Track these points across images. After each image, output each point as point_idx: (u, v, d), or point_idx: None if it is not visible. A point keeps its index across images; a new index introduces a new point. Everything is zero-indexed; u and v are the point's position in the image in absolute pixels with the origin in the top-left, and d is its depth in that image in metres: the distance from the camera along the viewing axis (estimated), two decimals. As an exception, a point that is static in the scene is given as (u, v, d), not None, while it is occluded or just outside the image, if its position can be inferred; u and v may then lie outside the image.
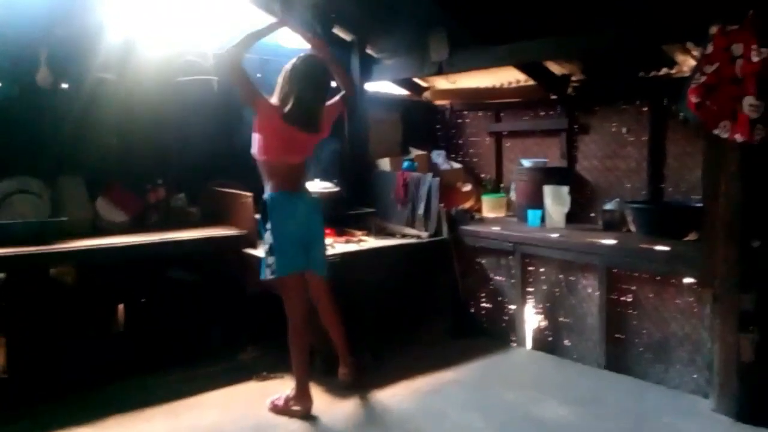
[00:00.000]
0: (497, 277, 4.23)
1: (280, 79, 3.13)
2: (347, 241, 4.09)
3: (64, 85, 3.75)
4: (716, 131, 2.75)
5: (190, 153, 4.10)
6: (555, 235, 3.87)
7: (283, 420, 3.08)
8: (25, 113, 3.61)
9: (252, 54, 4.40)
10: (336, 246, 3.92)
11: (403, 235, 4.40)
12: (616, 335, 3.60)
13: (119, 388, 3.34)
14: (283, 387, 3.38)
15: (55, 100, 3.70)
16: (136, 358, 3.59)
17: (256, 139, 3.12)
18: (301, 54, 3.16)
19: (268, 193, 3.13)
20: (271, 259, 3.06)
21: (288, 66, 3.13)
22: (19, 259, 3.03)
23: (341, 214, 4.41)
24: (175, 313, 3.79)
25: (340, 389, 3.41)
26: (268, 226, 3.06)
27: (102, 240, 3.38)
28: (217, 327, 3.92)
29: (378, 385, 3.48)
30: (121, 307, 3.79)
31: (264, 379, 3.58)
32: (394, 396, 3.35)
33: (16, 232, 3.17)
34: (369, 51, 4.99)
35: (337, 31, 4.81)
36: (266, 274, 3.09)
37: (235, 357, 3.83)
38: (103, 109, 3.78)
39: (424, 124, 5.54)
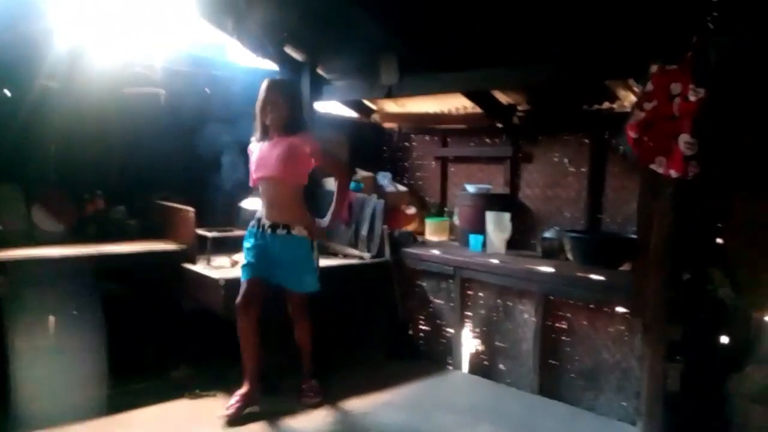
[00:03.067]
0: (437, 300, 4.26)
1: None
2: None
3: (6, 92, 3.65)
4: (652, 166, 2.85)
5: (134, 165, 4.02)
6: (495, 261, 3.93)
7: None
8: None
9: (200, 68, 4.42)
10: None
11: (346, 256, 4.40)
12: (550, 361, 3.67)
13: (46, 402, 3.18)
14: (216, 405, 3.34)
15: None
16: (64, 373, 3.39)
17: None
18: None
19: None
20: None
21: None
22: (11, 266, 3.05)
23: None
24: (107, 327, 3.61)
25: (275, 409, 3.36)
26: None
27: (36, 250, 3.31)
28: (149, 343, 3.78)
29: (312, 406, 3.47)
30: (51, 319, 3.55)
31: (196, 397, 3.50)
32: (326, 417, 3.34)
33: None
34: (320, 71, 5.00)
35: (289, 50, 4.80)
36: None
37: (167, 374, 3.73)
38: (45, 118, 3.68)
39: (371, 145, 5.57)
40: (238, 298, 3.29)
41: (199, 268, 3.68)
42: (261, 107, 3.33)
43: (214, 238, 3.81)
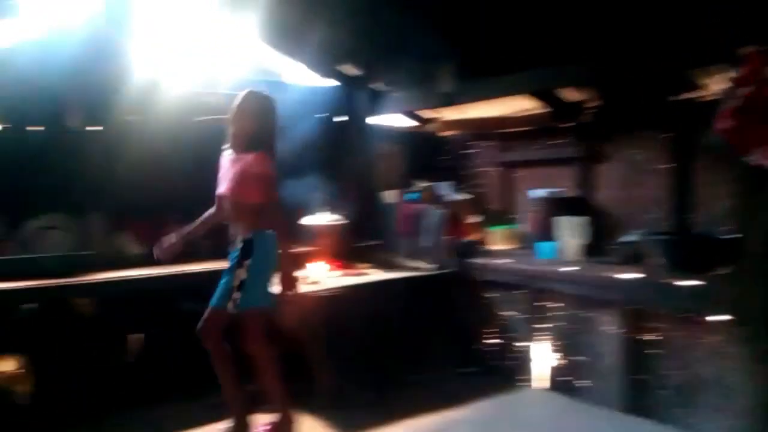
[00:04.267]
0: (506, 312, 4.07)
1: None
2: (352, 274, 4.04)
3: (92, 128, 4.00)
4: (748, 158, 2.60)
5: (205, 189, 4.05)
6: (569, 269, 3.70)
7: None
8: (56, 154, 3.84)
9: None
10: (341, 279, 3.89)
11: (408, 268, 4.30)
12: (637, 376, 3.39)
13: (128, 417, 3.31)
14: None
15: (83, 141, 3.95)
16: (145, 389, 3.59)
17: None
18: None
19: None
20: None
21: None
22: (47, 290, 3.25)
23: (346, 247, 4.33)
24: (184, 344, 3.64)
25: (344, 425, 3.30)
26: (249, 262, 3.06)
27: (120, 273, 3.56)
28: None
29: (380, 422, 3.33)
30: (134, 337, 3.83)
31: (268, 412, 3.37)
32: None
33: (45, 266, 3.42)
34: (375, 85, 5.01)
35: (345, 66, 4.84)
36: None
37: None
38: (126, 150, 3.91)
39: (429, 155, 5.45)
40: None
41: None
42: (231, 118, 3.14)
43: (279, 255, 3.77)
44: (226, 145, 3.21)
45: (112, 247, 3.90)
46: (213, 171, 4.00)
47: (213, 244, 4.01)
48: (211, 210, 3.31)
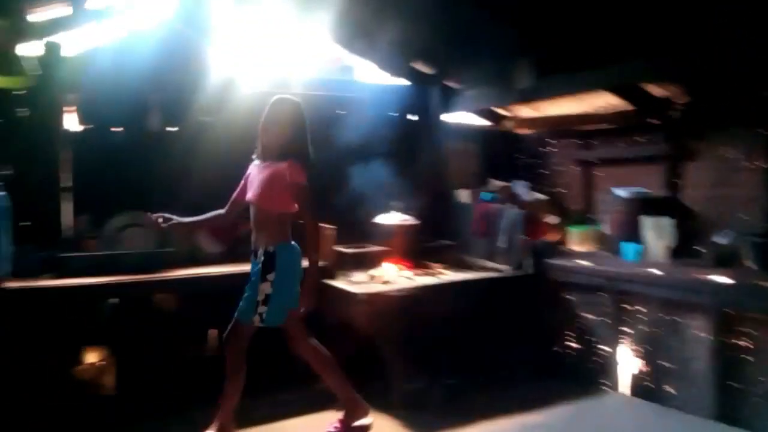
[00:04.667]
0: (587, 316, 3.95)
1: None
2: (425, 274, 3.99)
3: (171, 129, 4.08)
4: None
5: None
6: (656, 271, 3.56)
7: None
8: (136, 154, 3.94)
9: (331, 91, 4.53)
10: (414, 279, 3.85)
11: (484, 269, 4.23)
12: (730, 383, 3.23)
13: (207, 409, 3.25)
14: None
15: (163, 142, 4.04)
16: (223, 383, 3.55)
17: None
18: None
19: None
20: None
21: None
22: (130, 286, 3.35)
23: (419, 247, 4.29)
24: (260, 339, 3.72)
25: (417, 426, 3.28)
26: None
27: (198, 270, 3.66)
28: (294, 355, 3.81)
29: (456, 425, 3.30)
30: (213, 332, 3.85)
31: (342, 409, 3.42)
32: None
33: (128, 262, 3.49)
34: (449, 82, 4.97)
35: (418, 64, 4.82)
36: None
37: (312, 386, 3.65)
38: (202, 150, 3.98)
39: (505, 154, 5.36)
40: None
41: (339, 283, 3.71)
42: (261, 126, 3.08)
43: (352, 254, 3.91)
44: (256, 154, 3.17)
45: (190, 244, 3.94)
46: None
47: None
48: (220, 211, 3.25)
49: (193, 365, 3.68)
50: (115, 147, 3.90)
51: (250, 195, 3.07)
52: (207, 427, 3.03)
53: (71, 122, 3.85)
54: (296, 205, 3.03)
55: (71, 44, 3.80)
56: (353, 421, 3.18)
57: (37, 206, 3.62)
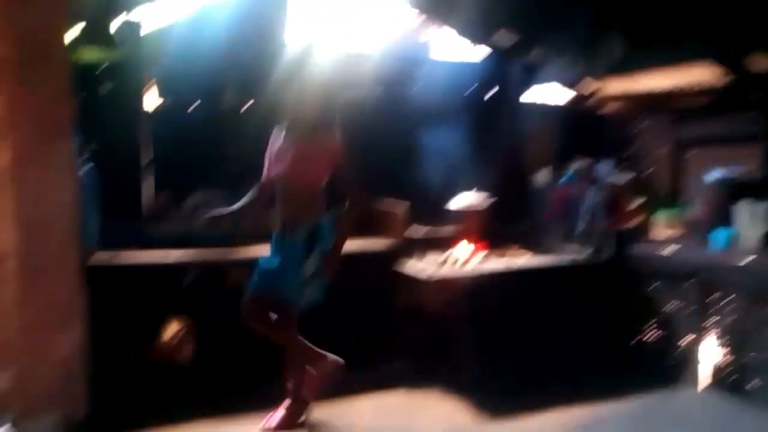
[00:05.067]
0: (669, 305, 3.77)
1: None
2: (500, 257, 3.95)
3: (246, 102, 4.07)
4: None
5: (357, 159, 4.14)
6: (749, 260, 3.36)
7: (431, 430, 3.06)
8: (215, 128, 3.97)
9: (409, 64, 4.46)
10: (487, 262, 3.82)
11: (561, 254, 4.12)
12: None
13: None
14: (431, 399, 3.41)
15: (240, 114, 4.06)
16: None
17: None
18: None
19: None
20: None
21: None
22: (207, 260, 3.44)
23: (494, 229, 4.20)
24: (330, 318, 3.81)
25: (484, 410, 3.26)
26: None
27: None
28: (363, 337, 3.87)
29: (524, 412, 3.24)
30: None
31: (412, 389, 3.53)
32: (543, 427, 3.11)
33: (204, 237, 3.52)
34: (530, 56, 4.81)
35: (499, 35, 4.69)
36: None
37: (381, 367, 3.75)
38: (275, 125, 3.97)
39: (588, 133, 5.14)
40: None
41: (411, 264, 3.72)
42: (293, 96, 2.95)
43: (425, 235, 3.94)
44: (284, 124, 3.04)
45: (264, 220, 3.91)
46: (356, 143, 4.01)
47: (356, 222, 4.05)
48: (254, 193, 3.13)
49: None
50: (194, 121, 3.96)
51: (285, 169, 2.93)
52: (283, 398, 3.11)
53: (151, 97, 3.94)
54: (333, 175, 2.95)
55: (150, 19, 3.82)
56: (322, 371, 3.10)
57: (120, 180, 3.66)
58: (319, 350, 3.11)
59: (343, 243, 3.01)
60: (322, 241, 2.92)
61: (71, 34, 3.12)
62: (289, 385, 3.09)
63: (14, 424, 1.86)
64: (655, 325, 3.89)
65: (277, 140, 3.03)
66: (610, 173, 4.70)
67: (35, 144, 2.29)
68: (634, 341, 3.98)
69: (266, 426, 3.02)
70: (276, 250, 2.99)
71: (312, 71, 3.00)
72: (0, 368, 2.26)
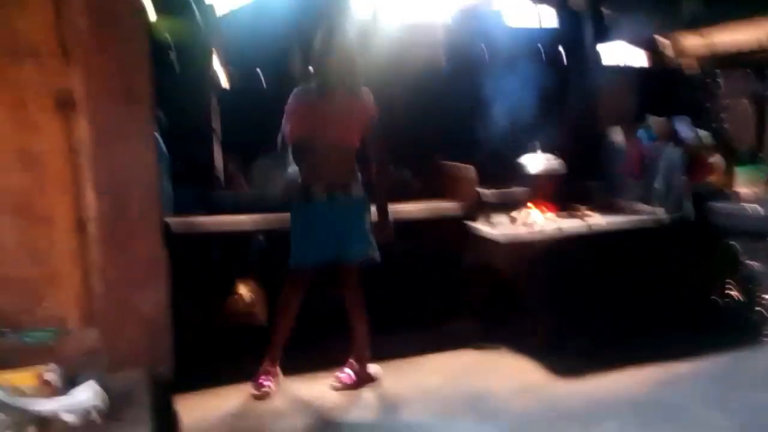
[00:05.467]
0: (752, 263, 3.71)
1: None
2: (572, 218, 3.88)
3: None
4: None
5: (415, 127, 4.12)
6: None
7: (502, 390, 3.06)
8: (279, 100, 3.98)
9: (476, 26, 4.40)
10: (559, 222, 3.77)
11: (636, 213, 4.02)
12: None
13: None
14: (500, 358, 3.46)
15: None
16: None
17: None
18: None
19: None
20: None
21: None
22: (274, 223, 3.39)
23: (566, 189, 4.14)
24: (398, 280, 3.81)
25: (564, 370, 3.26)
26: None
27: None
28: (433, 296, 3.91)
29: (601, 371, 3.25)
30: None
31: (480, 348, 3.59)
32: (622, 383, 3.13)
33: (273, 201, 3.50)
34: (604, 10, 4.66)
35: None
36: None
37: (449, 326, 3.82)
38: None
39: (663, 88, 4.95)
40: (287, 288, 3.07)
41: (480, 226, 3.72)
42: (323, 56, 2.94)
43: (494, 196, 3.85)
44: (312, 86, 3.02)
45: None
46: (421, 106, 4.02)
47: (423, 184, 4.11)
48: (288, 156, 3.13)
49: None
50: (259, 94, 4.03)
51: (324, 131, 2.94)
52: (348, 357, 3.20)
53: (220, 71, 4.04)
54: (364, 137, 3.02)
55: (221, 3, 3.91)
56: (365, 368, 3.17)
57: (191, 149, 3.77)
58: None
59: (386, 204, 3.11)
60: (368, 201, 3.04)
61: (146, 6, 3.12)
62: (355, 346, 3.17)
63: (100, 380, 1.88)
64: (735, 284, 3.81)
65: (302, 101, 3.00)
66: (688, 130, 4.56)
67: (113, 112, 2.28)
68: (715, 300, 3.91)
69: (335, 384, 3.12)
70: (330, 214, 2.97)
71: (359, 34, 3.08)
72: (87, 326, 2.33)
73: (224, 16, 3.90)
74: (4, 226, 2.36)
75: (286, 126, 3.01)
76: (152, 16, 3.55)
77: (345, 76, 2.94)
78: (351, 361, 3.16)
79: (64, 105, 2.33)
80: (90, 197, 2.30)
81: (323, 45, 2.97)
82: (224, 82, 4.07)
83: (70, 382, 1.88)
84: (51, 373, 1.90)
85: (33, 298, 2.39)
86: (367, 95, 3.02)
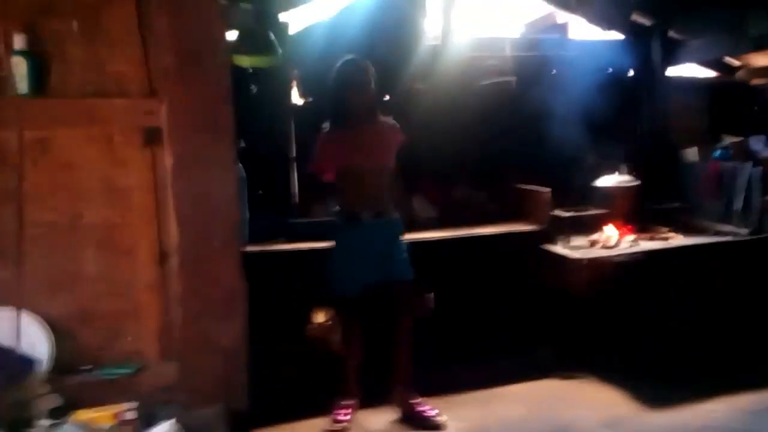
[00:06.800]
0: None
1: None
2: (651, 239, 3.85)
3: (386, 97, 4.03)
4: None
5: (491, 153, 4.21)
6: None
7: (589, 422, 3.00)
8: None
9: (545, 50, 4.48)
10: (638, 243, 3.74)
11: (717, 233, 3.95)
12: None
13: (428, 372, 3.40)
14: (585, 387, 3.36)
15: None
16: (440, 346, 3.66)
17: None
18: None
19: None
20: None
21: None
22: None
23: (643, 210, 4.13)
24: (472, 304, 3.84)
25: (649, 397, 3.19)
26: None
27: (415, 234, 3.59)
28: (510, 322, 3.88)
29: (688, 401, 3.15)
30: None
31: (565, 378, 3.52)
32: (713, 411, 3.04)
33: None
34: (672, 34, 4.66)
35: (636, 16, 4.56)
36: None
37: (530, 354, 3.76)
38: (416, 116, 3.95)
39: (738, 107, 4.90)
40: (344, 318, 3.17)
41: (558, 248, 3.71)
42: (346, 91, 3.09)
43: (571, 218, 3.85)
44: (335, 121, 3.18)
45: (406, 209, 3.77)
46: (496, 132, 4.12)
47: (500, 207, 4.15)
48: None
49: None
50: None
51: (365, 159, 3.09)
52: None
53: (294, 96, 4.04)
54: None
55: (296, 19, 3.97)
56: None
57: (268, 176, 3.79)
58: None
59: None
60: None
61: (229, 41, 3.12)
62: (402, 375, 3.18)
63: (178, 418, 1.85)
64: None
65: (334, 138, 3.16)
66: (765, 147, 4.49)
67: (197, 146, 2.32)
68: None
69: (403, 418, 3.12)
70: (376, 236, 3.10)
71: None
72: (166, 360, 2.35)
73: (300, 34, 3.92)
74: (88, 260, 2.40)
75: (322, 164, 3.22)
76: (237, 50, 3.54)
77: (364, 109, 3.13)
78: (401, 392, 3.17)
79: (151, 140, 2.42)
80: (172, 229, 2.33)
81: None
82: (301, 108, 4.06)
83: (147, 418, 1.86)
84: (129, 412, 1.89)
85: (114, 332, 2.41)
86: (392, 122, 3.27)
